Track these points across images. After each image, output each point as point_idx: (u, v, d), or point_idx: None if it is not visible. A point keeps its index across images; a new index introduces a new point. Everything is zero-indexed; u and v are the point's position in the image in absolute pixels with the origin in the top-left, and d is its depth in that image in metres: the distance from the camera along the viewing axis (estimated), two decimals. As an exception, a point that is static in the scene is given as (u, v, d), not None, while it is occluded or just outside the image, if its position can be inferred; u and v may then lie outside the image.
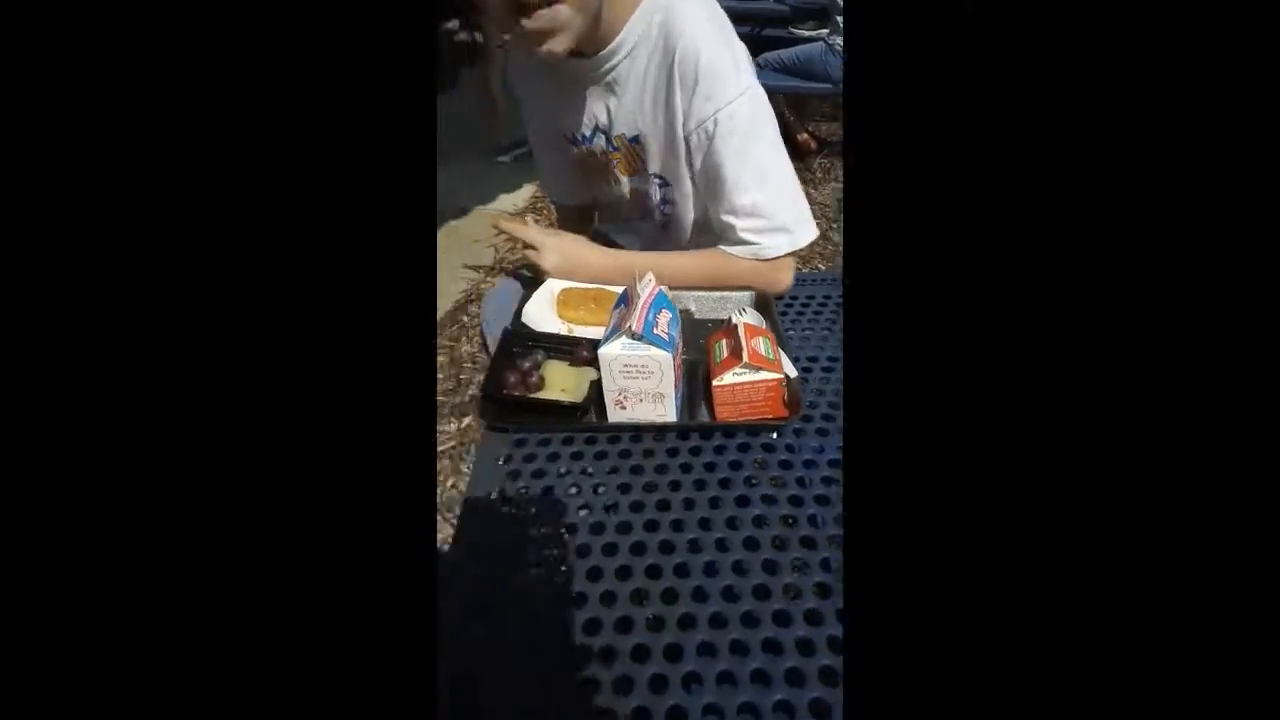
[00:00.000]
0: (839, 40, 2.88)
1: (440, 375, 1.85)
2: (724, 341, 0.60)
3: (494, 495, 0.53)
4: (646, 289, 0.57)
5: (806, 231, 0.76)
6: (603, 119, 0.79)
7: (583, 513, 0.51)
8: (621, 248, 0.87)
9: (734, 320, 0.61)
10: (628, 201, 0.87)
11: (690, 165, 0.75)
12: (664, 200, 0.82)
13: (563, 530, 0.50)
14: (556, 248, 0.76)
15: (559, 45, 0.62)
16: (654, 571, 0.47)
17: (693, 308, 0.76)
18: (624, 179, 0.84)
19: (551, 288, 0.75)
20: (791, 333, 0.75)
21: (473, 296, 2.22)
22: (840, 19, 2.89)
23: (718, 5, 0.75)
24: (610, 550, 0.48)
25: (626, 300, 0.58)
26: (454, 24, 6.08)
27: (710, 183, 0.74)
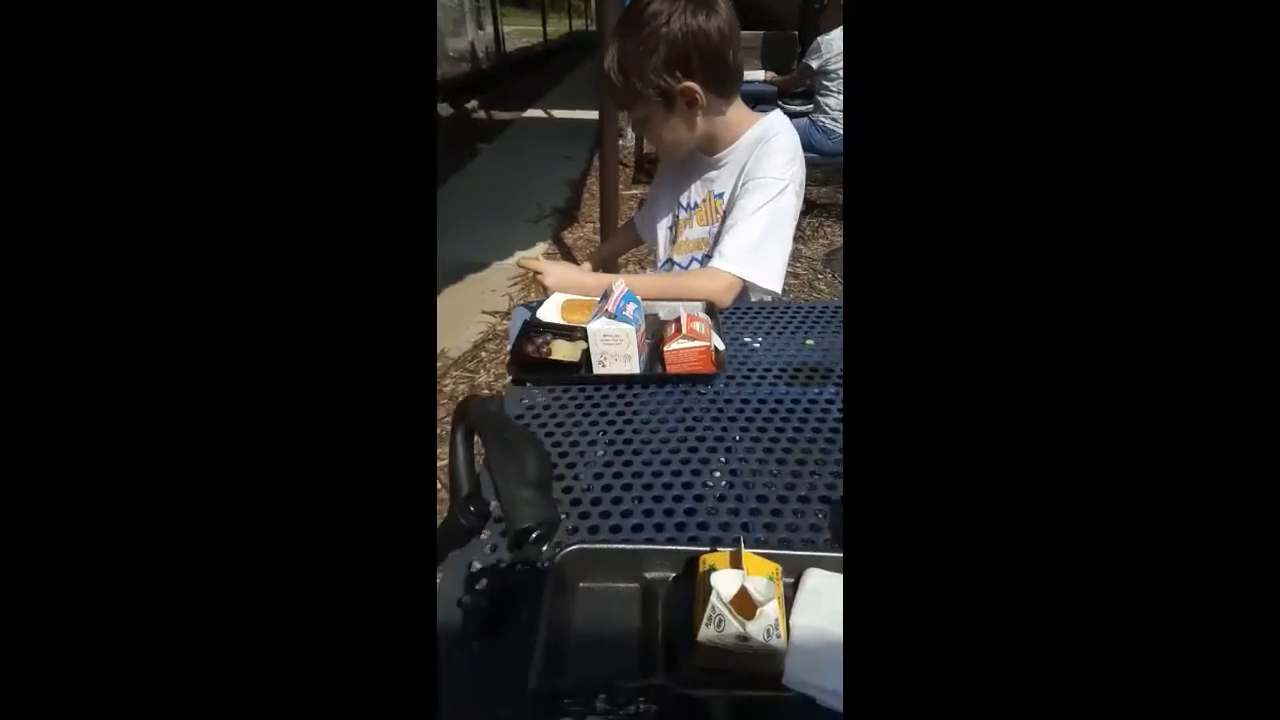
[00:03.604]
0: (822, 118, 3.34)
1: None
2: (673, 324, 0.89)
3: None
4: (619, 288, 0.86)
5: (761, 277, 1.09)
6: (706, 188, 1.19)
7: (577, 433, 0.79)
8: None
9: (681, 313, 0.90)
10: (689, 243, 1.25)
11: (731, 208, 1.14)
12: (713, 244, 1.19)
13: (568, 448, 0.77)
14: (556, 271, 1.09)
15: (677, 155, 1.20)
16: (621, 461, 0.74)
17: (661, 314, 1.05)
18: (695, 228, 1.22)
19: (557, 299, 1.04)
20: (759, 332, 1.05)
21: (490, 337, 2.54)
22: (821, 99, 3.36)
23: (797, 136, 1.14)
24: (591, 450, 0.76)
25: (606, 297, 0.87)
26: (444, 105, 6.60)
27: (730, 212, 1.11)
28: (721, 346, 0.89)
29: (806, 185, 1.22)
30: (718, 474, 0.70)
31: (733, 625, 0.43)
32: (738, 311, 1.10)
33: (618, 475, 0.70)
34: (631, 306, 0.85)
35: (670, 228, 1.29)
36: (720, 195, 1.17)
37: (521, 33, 9.97)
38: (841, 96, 3.29)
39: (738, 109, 1.13)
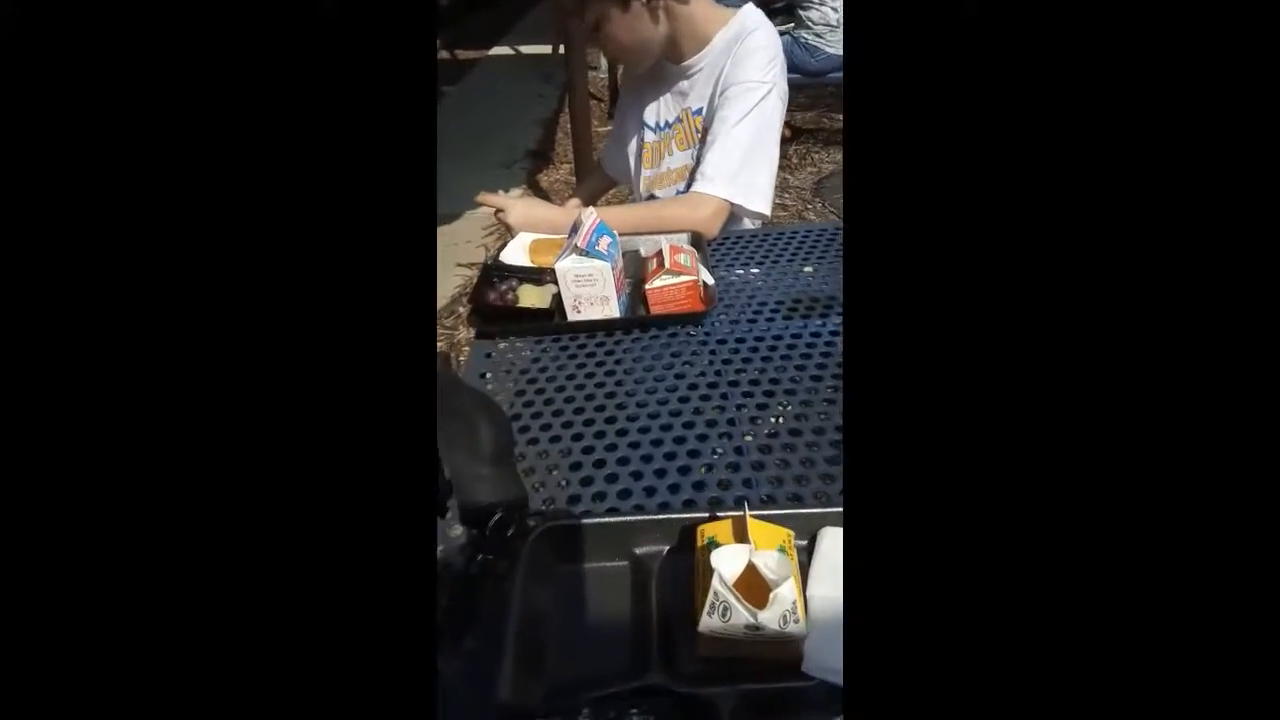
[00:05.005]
0: (805, 34, 3.13)
1: (441, 357, 2.05)
2: (654, 259, 0.79)
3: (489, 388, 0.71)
4: (589, 219, 0.75)
5: (750, 199, 0.97)
6: (681, 104, 1.06)
7: (552, 390, 0.69)
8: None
9: (663, 245, 0.80)
10: (671, 174, 1.10)
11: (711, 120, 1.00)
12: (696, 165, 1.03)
13: (539, 411, 0.68)
14: (518, 208, 0.96)
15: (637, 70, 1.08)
16: (600, 436, 0.65)
17: (642, 249, 0.95)
18: (675, 153, 1.08)
19: (524, 239, 0.93)
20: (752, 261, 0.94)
21: (466, 290, 2.42)
22: (803, 13, 3.14)
23: (776, 33, 1.02)
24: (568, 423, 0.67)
25: (575, 231, 0.76)
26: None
27: (709, 128, 0.99)
28: (710, 281, 0.79)
29: (791, 110, 1.08)
30: (714, 426, 0.62)
31: (741, 614, 0.35)
32: (726, 241, 1.00)
33: (600, 435, 0.62)
34: (606, 240, 0.75)
35: (637, 152, 1.15)
36: (699, 111, 1.04)
37: (480, -36, 9.32)
38: (825, 9, 3.08)
39: (703, 3, 0.98)
